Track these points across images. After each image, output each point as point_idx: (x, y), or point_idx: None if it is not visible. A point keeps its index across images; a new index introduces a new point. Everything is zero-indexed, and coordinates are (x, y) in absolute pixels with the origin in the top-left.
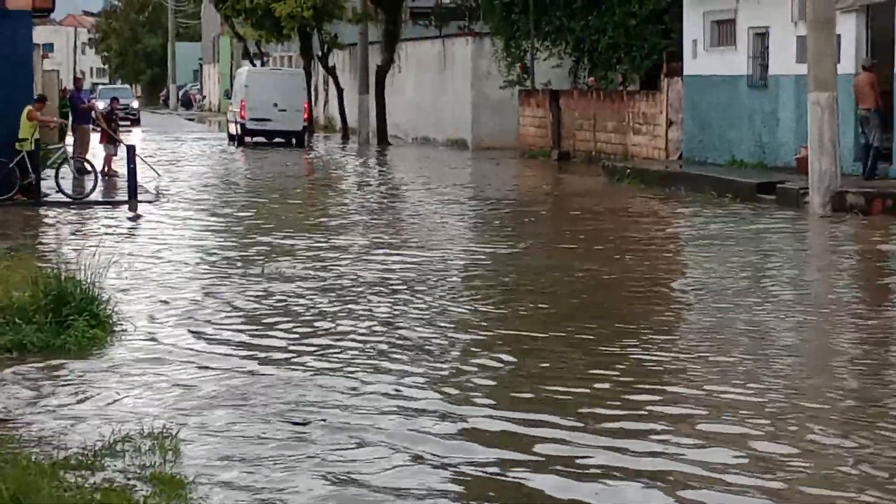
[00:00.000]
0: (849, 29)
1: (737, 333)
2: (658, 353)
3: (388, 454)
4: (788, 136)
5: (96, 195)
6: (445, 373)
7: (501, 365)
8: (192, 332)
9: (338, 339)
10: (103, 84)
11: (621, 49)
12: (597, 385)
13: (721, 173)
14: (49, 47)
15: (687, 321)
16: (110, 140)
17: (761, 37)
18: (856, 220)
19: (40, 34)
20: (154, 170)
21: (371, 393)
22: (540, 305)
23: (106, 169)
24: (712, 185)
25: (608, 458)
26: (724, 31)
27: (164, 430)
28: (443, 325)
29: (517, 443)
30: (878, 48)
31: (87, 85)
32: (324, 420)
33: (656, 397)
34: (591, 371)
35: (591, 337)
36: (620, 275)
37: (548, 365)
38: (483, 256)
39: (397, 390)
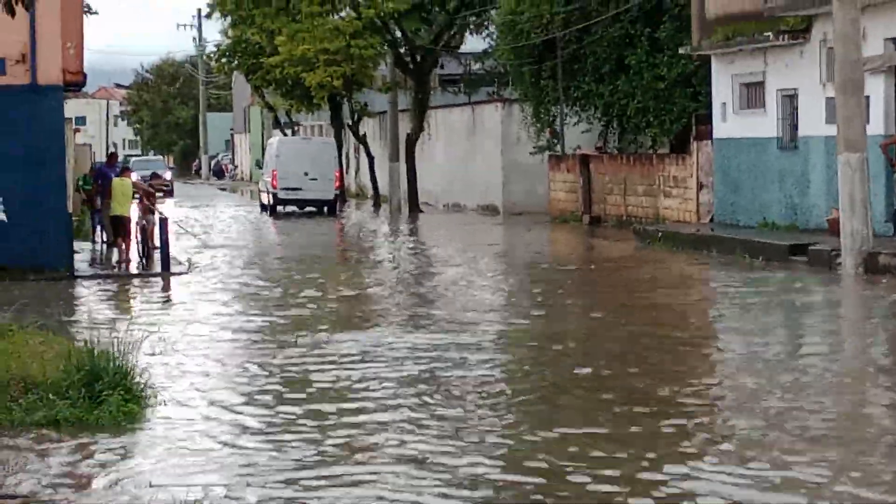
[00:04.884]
0: (877, 89)
1: (769, 400)
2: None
3: None
4: (820, 197)
5: (130, 268)
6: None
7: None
8: (225, 408)
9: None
10: (136, 156)
11: (650, 113)
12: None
13: (752, 235)
14: (81, 120)
15: (724, 387)
16: (148, 211)
17: (790, 98)
18: (889, 282)
19: (72, 107)
20: (191, 233)
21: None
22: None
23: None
24: (744, 247)
25: None
26: (752, 94)
27: (197, 503)
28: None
29: None
30: None
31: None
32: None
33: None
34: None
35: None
36: (658, 340)
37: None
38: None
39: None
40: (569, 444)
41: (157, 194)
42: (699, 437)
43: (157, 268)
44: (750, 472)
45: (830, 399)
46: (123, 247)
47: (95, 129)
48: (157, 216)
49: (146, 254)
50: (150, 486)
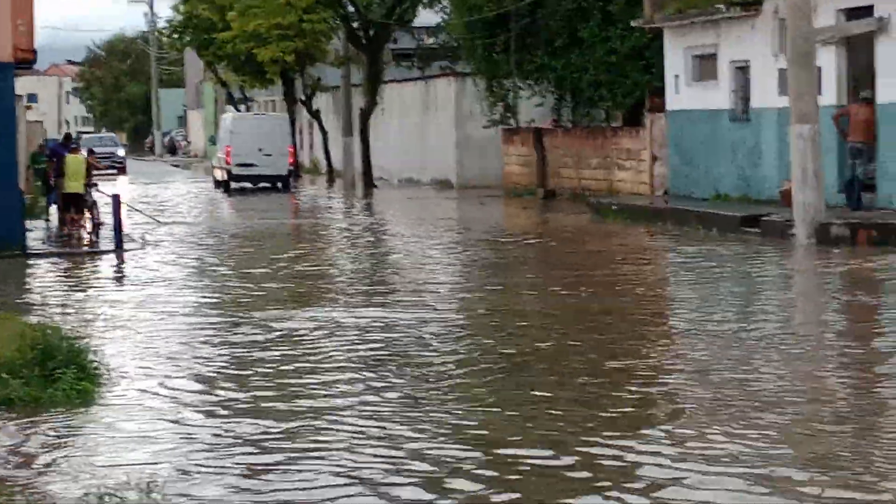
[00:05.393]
0: (829, 62)
1: (725, 370)
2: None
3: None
4: (772, 169)
5: (83, 245)
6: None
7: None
8: (176, 387)
9: (321, 396)
10: (88, 133)
11: (603, 86)
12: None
13: (706, 207)
14: (33, 98)
15: (679, 358)
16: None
17: (742, 70)
18: (841, 252)
19: (24, 85)
20: (155, 219)
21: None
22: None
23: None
24: (698, 219)
25: None
26: (705, 66)
27: (151, 482)
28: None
29: None
30: (858, 81)
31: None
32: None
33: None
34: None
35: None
36: (614, 313)
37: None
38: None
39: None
40: (520, 419)
41: (110, 171)
42: (647, 411)
43: (111, 244)
44: (697, 447)
45: (780, 369)
46: (77, 224)
47: (47, 106)
48: (94, 192)
49: (94, 230)
50: (98, 465)
